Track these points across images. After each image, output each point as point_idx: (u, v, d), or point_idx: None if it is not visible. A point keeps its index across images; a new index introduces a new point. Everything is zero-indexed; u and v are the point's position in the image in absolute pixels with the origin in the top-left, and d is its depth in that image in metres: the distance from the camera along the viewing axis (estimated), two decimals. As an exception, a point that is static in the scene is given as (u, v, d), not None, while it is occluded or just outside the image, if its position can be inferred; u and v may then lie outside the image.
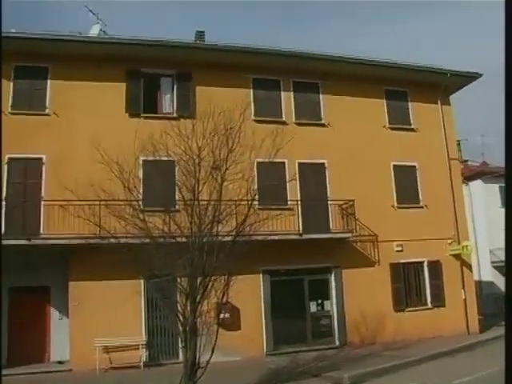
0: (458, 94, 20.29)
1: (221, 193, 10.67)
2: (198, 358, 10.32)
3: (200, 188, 10.89)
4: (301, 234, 15.86)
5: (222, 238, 10.97)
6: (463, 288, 18.29)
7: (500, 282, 29.24)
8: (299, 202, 16.64)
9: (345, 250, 16.93)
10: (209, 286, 10.61)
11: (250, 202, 11.17)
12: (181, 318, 10.25)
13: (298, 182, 17.06)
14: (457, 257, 18.39)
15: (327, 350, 16.05)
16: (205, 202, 10.97)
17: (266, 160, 16.36)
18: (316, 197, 17.18)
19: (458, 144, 20.29)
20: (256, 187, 11.70)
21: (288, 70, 17.55)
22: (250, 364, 14.45)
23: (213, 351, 10.61)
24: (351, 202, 16.68)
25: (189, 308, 10.36)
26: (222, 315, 15.27)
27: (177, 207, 14.99)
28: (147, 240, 10.41)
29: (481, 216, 29.70)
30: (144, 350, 14.92)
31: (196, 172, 10.95)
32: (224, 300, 15.19)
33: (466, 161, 30.65)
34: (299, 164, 17.21)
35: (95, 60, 15.95)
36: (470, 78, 19.30)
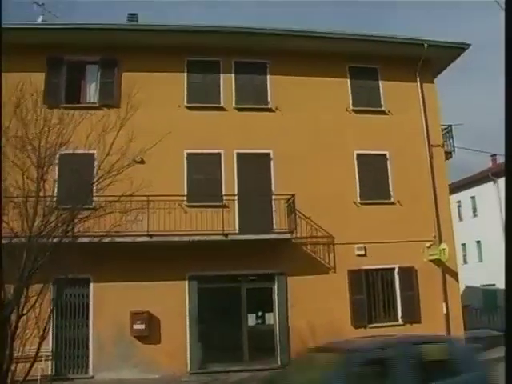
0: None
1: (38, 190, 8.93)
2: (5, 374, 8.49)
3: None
4: (226, 235, 13.66)
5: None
6: (445, 301, 15.09)
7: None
8: (232, 198, 14.51)
9: (291, 253, 14.45)
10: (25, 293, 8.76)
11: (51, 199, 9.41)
12: None
13: (235, 175, 15.02)
14: (438, 263, 15.24)
15: (266, 371, 13.67)
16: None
17: (197, 151, 14.91)
18: (258, 193, 14.90)
19: (450, 130, 17.02)
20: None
21: (229, 50, 15.45)
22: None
23: (30, 367, 8.76)
24: (292, 197, 14.23)
25: None
26: (135, 326, 13.68)
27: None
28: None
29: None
30: (49, 362, 13.42)
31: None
32: (139, 309, 13.67)
33: (495, 155, 26.72)
34: (238, 155, 15.06)
35: (17, 48, 14.87)
36: (454, 49, 16.18)
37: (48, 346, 13.31)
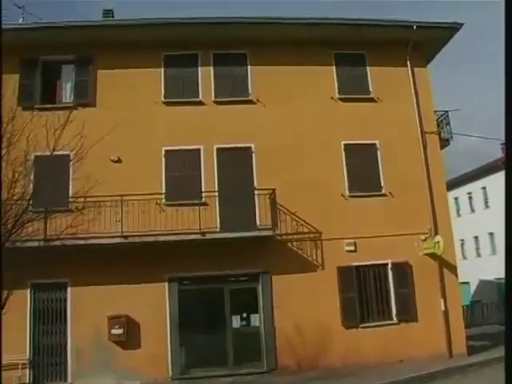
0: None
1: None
2: None
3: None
4: (204, 234, 13.04)
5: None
6: (443, 297, 14.17)
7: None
8: (212, 194, 13.88)
9: (275, 251, 13.77)
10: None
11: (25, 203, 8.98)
12: None
13: (215, 171, 14.40)
14: (434, 257, 14.32)
15: (250, 376, 13.05)
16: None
17: (175, 148, 14.36)
18: (239, 188, 14.24)
19: (447, 116, 16.04)
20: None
21: (207, 42, 14.81)
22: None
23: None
24: (273, 192, 13.51)
25: None
26: (113, 331, 13.17)
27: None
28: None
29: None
30: (27, 369, 12.97)
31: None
32: (118, 313, 13.16)
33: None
34: (218, 150, 14.43)
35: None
36: (445, 29, 15.21)
37: (25, 354, 13.05)
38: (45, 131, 9.94)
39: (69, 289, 13.47)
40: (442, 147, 15.90)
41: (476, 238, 30.61)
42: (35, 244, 9.85)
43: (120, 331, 13.05)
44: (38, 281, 13.14)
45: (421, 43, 15.44)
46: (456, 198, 33.33)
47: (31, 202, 11.28)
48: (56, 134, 9.59)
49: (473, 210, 31.59)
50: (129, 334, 13.07)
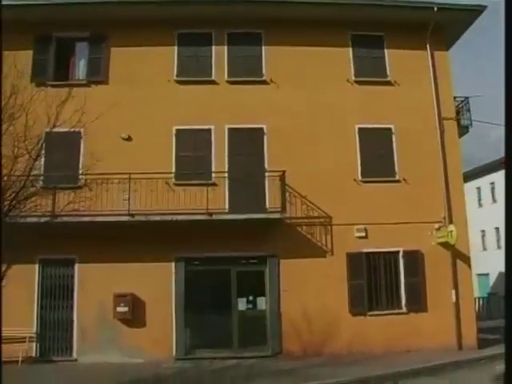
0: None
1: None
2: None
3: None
4: (211, 214, 12.90)
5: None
6: (455, 288, 13.80)
7: None
8: (222, 175, 13.71)
9: (284, 234, 13.58)
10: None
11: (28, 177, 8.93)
12: None
13: (226, 151, 14.22)
14: (447, 247, 13.93)
15: (255, 359, 12.95)
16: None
17: (186, 127, 14.22)
18: (250, 170, 14.04)
19: (467, 102, 15.52)
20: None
21: (222, 21, 14.56)
22: (134, 369, 11.83)
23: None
24: (282, 174, 13.27)
25: None
26: (119, 308, 13.21)
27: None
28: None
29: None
30: (34, 343, 13.14)
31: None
32: (124, 291, 13.18)
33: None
34: (229, 130, 14.24)
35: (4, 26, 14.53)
36: (467, 12, 14.60)
37: (32, 327, 13.20)
38: (53, 107, 9.88)
39: (76, 265, 13.55)
40: (460, 134, 15.43)
41: (497, 229, 29.87)
42: (34, 220, 9.76)
43: (125, 309, 13.09)
44: (46, 256, 13.26)
45: (442, 26, 14.88)
46: (478, 188, 32.59)
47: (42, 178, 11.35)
48: (58, 110, 9.47)
49: (495, 201, 30.86)
50: (134, 313, 13.12)
